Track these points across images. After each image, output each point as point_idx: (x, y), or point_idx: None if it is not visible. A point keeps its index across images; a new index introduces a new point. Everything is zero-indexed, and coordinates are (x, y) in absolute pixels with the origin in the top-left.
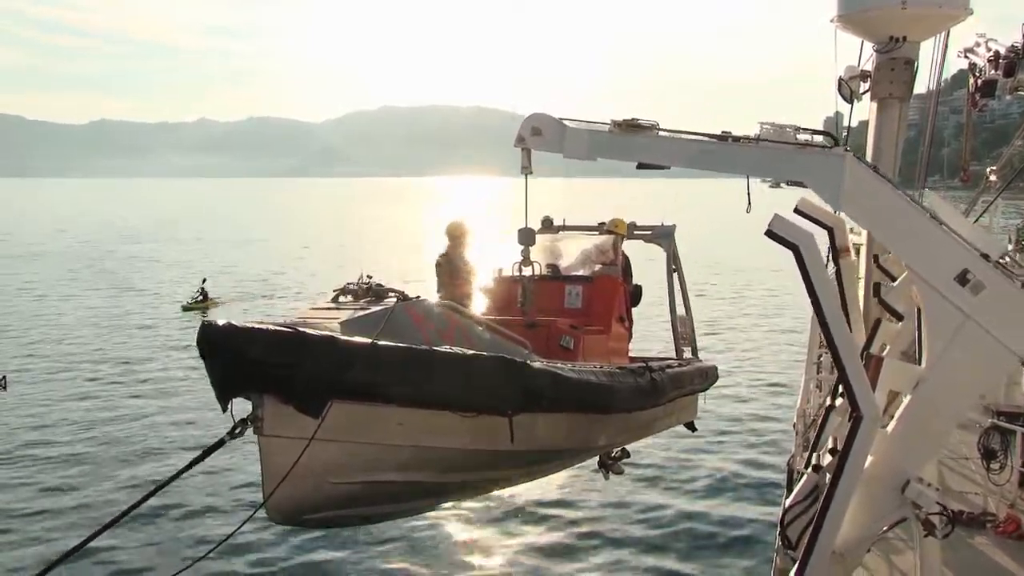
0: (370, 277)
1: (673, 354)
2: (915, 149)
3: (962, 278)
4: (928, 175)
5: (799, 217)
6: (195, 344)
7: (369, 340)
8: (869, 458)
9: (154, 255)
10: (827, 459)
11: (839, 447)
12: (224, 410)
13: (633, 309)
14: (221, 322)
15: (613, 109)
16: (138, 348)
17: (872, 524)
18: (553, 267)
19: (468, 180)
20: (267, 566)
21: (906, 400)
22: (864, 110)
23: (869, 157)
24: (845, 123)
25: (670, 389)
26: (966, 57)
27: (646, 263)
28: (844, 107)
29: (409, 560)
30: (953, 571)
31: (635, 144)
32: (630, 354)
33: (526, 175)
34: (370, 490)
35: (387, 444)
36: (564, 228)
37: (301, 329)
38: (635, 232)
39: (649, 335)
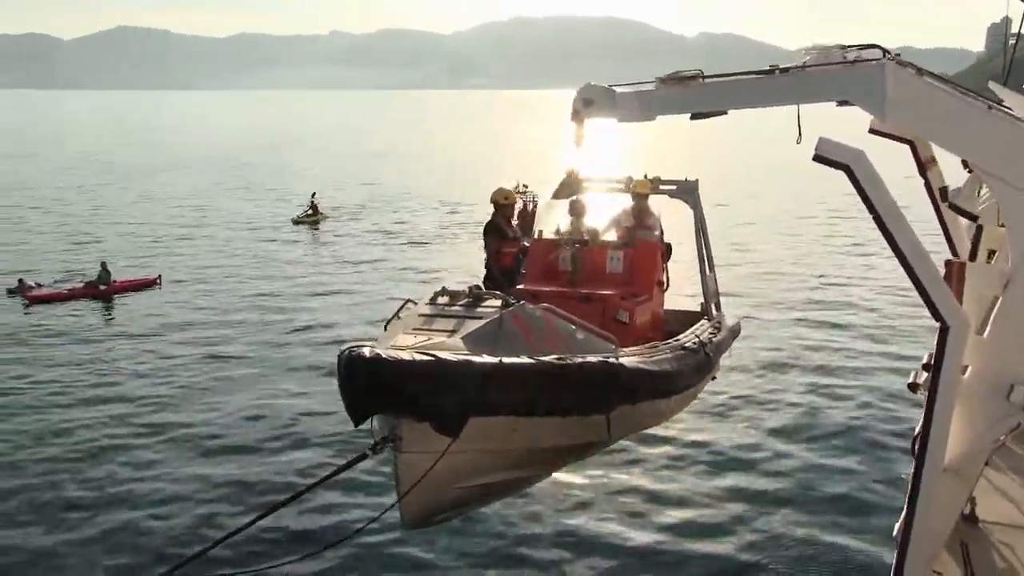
0: (526, 187)
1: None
2: None
3: None
4: None
5: (871, 138)
6: (335, 370)
7: (496, 359)
8: (969, 368)
9: (291, 165)
10: (923, 376)
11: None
12: (357, 426)
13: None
14: (366, 352)
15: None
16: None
17: (982, 436)
18: (593, 231)
19: None
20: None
21: (999, 302)
22: None
23: None
24: (1013, 29)
25: (716, 359)
26: None
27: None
28: (1016, 9)
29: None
30: None
31: (683, 96)
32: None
33: (579, 148)
34: (485, 490)
35: (504, 449)
36: (589, 180)
37: (439, 356)
38: (659, 188)
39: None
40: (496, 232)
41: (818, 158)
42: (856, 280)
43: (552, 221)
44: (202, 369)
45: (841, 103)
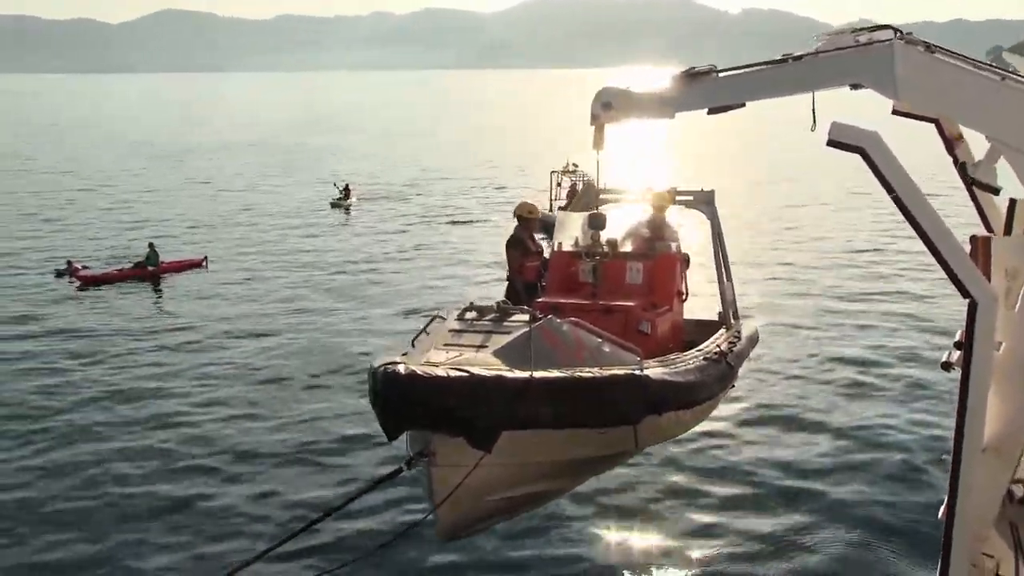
0: (576, 165)
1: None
2: None
3: None
4: None
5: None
6: (369, 388)
7: (528, 374)
8: (1003, 345)
9: (333, 146)
10: (956, 355)
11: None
12: (391, 440)
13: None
14: (400, 369)
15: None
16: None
17: (1020, 414)
18: (612, 243)
19: (637, 71)
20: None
21: None
22: None
23: None
24: None
25: (737, 369)
26: None
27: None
28: None
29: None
30: None
31: (699, 92)
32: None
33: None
34: (516, 501)
35: (535, 461)
36: (607, 192)
37: (472, 371)
38: (676, 199)
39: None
40: (519, 246)
41: (832, 143)
42: (882, 270)
43: (570, 233)
44: (245, 354)
45: (854, 87)
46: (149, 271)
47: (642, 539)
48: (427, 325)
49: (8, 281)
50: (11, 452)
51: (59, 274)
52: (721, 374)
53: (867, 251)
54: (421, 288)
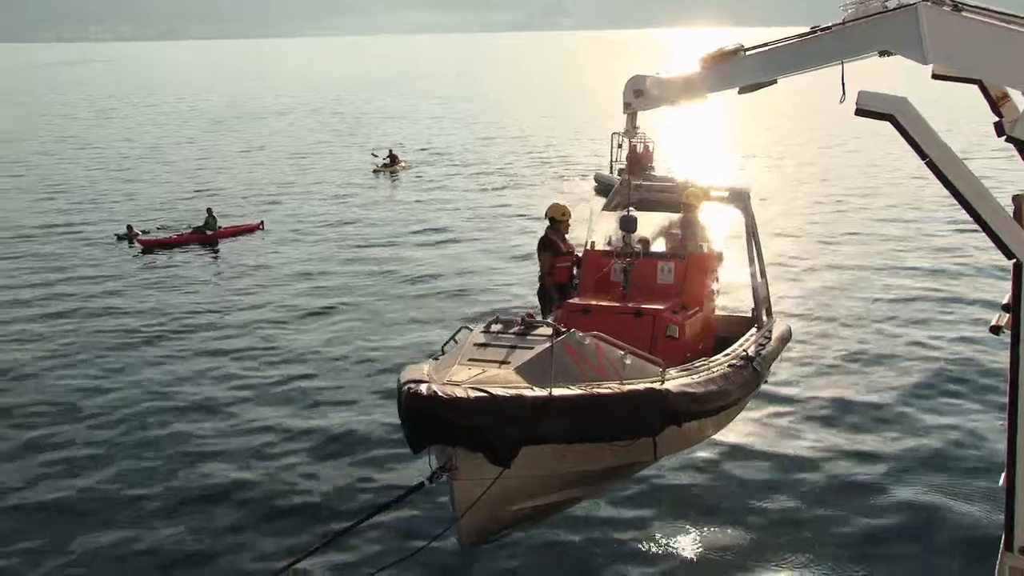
0: (637, 127)
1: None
2: None
3: None
4: None
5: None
6: (396, 407)
7: (546, 391)
8: None
9: (389, 111)
10: (1005, 318)
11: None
12: (415, 454)
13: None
14: (423, 389)
15: None
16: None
17: None
18: (644, 241)
19: (695, 32)
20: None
21: None
22: None
23: None
24: None
25: (764, 372)
26: None
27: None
28: None
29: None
30: None
31: (729, 72)
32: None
33: (629, 140)
34: (537, 511)
35: (554, 473)
36: (647, 182)
37: (491, 391)
38: (711, 195)
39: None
40: (550, 248)
41: (860, 111)
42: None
43: (603, 232)
44: (301, 316)
45: (883, 54)
46: (208, 235)
47: (682, 536)
48: (454, 334)
49: (72, 246)
50: (78, 414)
51: (119, 238)
52: (746, 379)
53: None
54: (472, 253)
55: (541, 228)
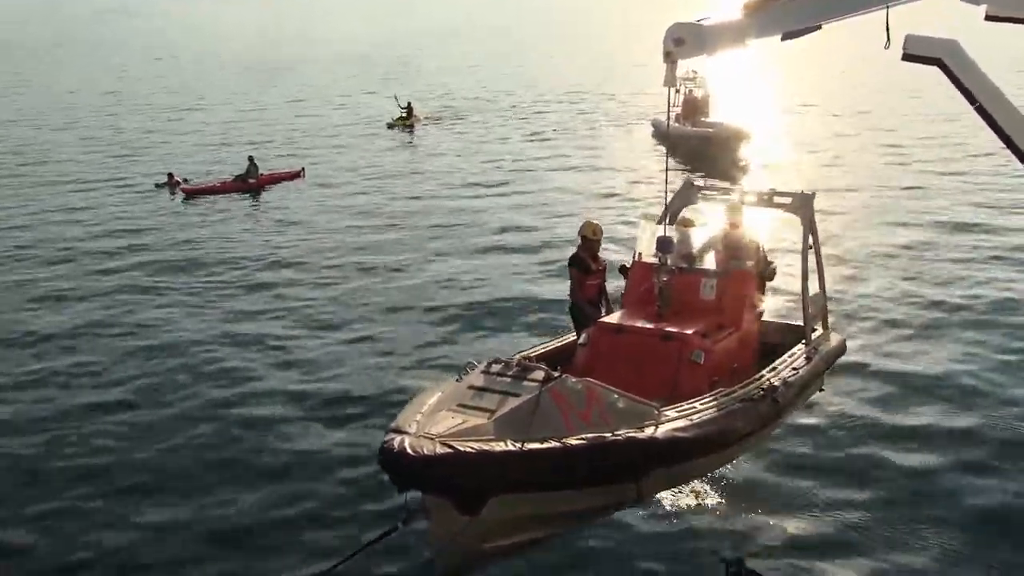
0: (695, 72)
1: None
2: None
3: None
4: None
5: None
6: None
7: (518, 446)
8: None
9: (432, 57)
10: None
11: None
12: (400, 493)
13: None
14: (395, 443)
15: None
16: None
17: None
18: (689, 256)
19: None
20: None
21: None
22: None
23: None
24: None
25: (793, 398)
26: None
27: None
28: None
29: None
30: None
31: (771, 18)
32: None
33: (670, 89)
34: (514, 546)
35: (529, 515)
36: (704, 190)
37: (457, 447)
38: (773, 201)
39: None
40: (579, 265)
41: (908, 56)
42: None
43: (651, 242)
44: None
45: None
46: (250, 183)
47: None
48: (464, 368)
49: (113, 193)
50: (121, 362)
51: (159, 186)
52: (761, 414)
53: None
54: (531, 201)
55: (594, 182)
